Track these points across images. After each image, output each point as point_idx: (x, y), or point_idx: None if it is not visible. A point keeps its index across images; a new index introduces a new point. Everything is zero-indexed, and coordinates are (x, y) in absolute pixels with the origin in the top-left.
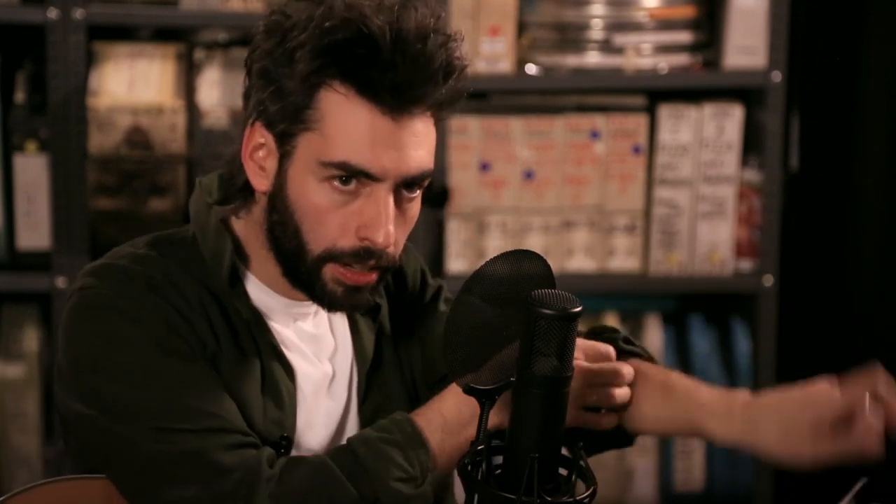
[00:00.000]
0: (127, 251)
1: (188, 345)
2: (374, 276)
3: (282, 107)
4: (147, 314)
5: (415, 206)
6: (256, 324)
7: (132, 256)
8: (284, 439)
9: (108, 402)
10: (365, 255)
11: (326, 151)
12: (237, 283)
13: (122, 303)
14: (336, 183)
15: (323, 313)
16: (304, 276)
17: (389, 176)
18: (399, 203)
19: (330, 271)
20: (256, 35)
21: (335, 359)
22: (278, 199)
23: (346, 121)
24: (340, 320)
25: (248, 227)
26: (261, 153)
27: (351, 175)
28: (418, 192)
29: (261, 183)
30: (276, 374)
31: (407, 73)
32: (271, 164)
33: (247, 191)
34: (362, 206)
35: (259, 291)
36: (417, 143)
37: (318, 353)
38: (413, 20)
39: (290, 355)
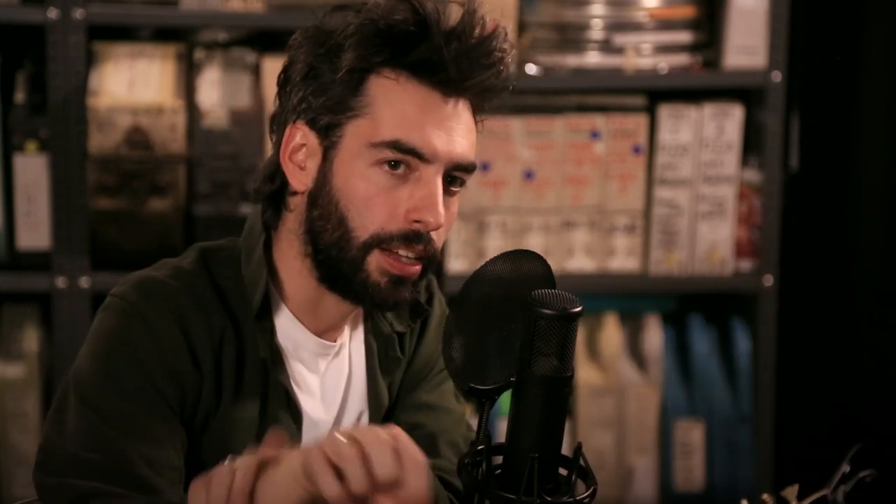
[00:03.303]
0: (174, 262)
1: (168, 386)
2: (417, 269)
3: (326, 99)
4: (153, 348)
5: (454, 205)
6: (274, 364)
7: (176, 270)
8: None
9: (71, 410)
10: (414, 237)
11: (377, 132)
12: (266, 316)
13: (137, 329)
14: (385, 167)
15: (345, 353)
16: (346, 269)
17: (439, 158)
18: (446, 196)
19: (375, 260)
20: (292, 48)
21: (348, 402)
22: (321, 193)
23: (397, 102)
24: (358, 364)
25: (280, 242)
26: (301, 154)
27: (401, 155)
28: (459, 189)
29: (300, 183)
30: (281, 420)
31: (459, 52)
32: (312, 164)
33: (278, 199)
34: (412, 191)
35: (289, 325)
36: (464, 130)
37: (333, 394)
38: (461, 7)
39: (303, 397)
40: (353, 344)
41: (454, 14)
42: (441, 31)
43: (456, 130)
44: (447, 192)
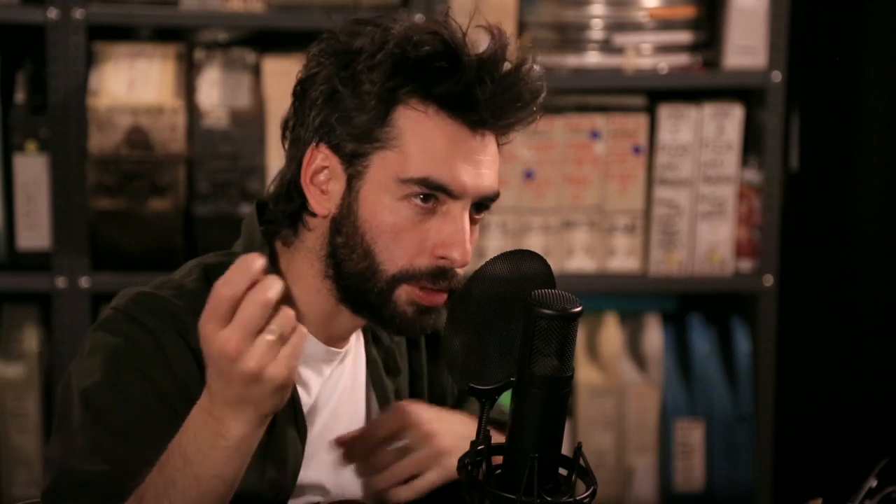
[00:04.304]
0: (176, 281)
1: (175, 397)
2: (444, 297)
3: (351, 127)
4: (160, 360)
5: (477, 231)
6: None
7: (179, 289)
8: (278, 502)
9: (75, 420)
10: (440, 275)
11: (406, 168)
12: None
13: (143, 341)
14: (416, 200)
15: (349, 361)
16: (374, 298)
17: (468, 194)
18: (471, 223)
19: (404, 293)
20: (311, 63)
21: (346, 409)
22: (346, 221)
23: (426, 136)
24: (361, 370)
25: (296, 258)
26: (322, 176)
27: (430, 192)
28: (482, 216)
29: (323, 207)
30: (287, 436)
31: (493, 92)
32: (336, 187)
33: (297, 217)
34: (439, 225)
35: None
36: (491, 162)
37: (337, 400)
38: (498, 40)
39: (308, 410)
40: (356, 353)
41: (480, 41)
42: (473, 66)
43: (483, 163)
44: (472, 221)
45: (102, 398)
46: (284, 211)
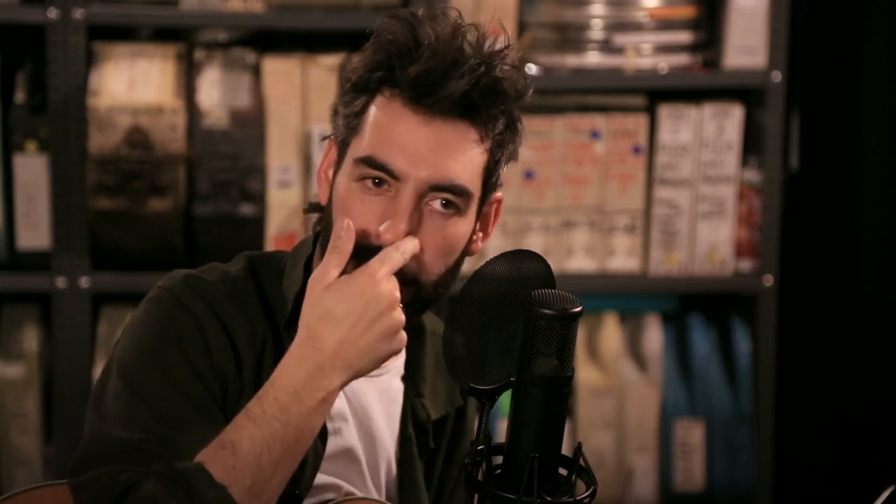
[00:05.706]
0: (223, 267)
1: (212, 381)
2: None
3: (341, 118)
4: (200, 343)
5: (452, 228)
6: None
7: (224, 276)
8: (295, 497)
9: (105, 388)
10: (367, 251)
11: (360, 149)
12: (293, 326)
13: (185, 323)
14: (368, 183)
15: (386, 378)
16: None
17: (409, 176)
18: (432, 218)
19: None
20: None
21: (373, 427)
22: (328, 206)
23: (382, 119)
24: (396, 395)
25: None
26: (332, 170)
27: (376, 172)
28: (455, 213)
29: (323, 196)
30: None
31: (426, 69)
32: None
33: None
34: (384, 206)
35: None
36: (447, 151)
37: (360, 416)
38: (453, 23)
39: (330, 416)
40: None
41: (446, 25)
42: (421, 49)
43: (436, 151)
44: (437, 216)
45: (141, 374)
46: (311, 208)
